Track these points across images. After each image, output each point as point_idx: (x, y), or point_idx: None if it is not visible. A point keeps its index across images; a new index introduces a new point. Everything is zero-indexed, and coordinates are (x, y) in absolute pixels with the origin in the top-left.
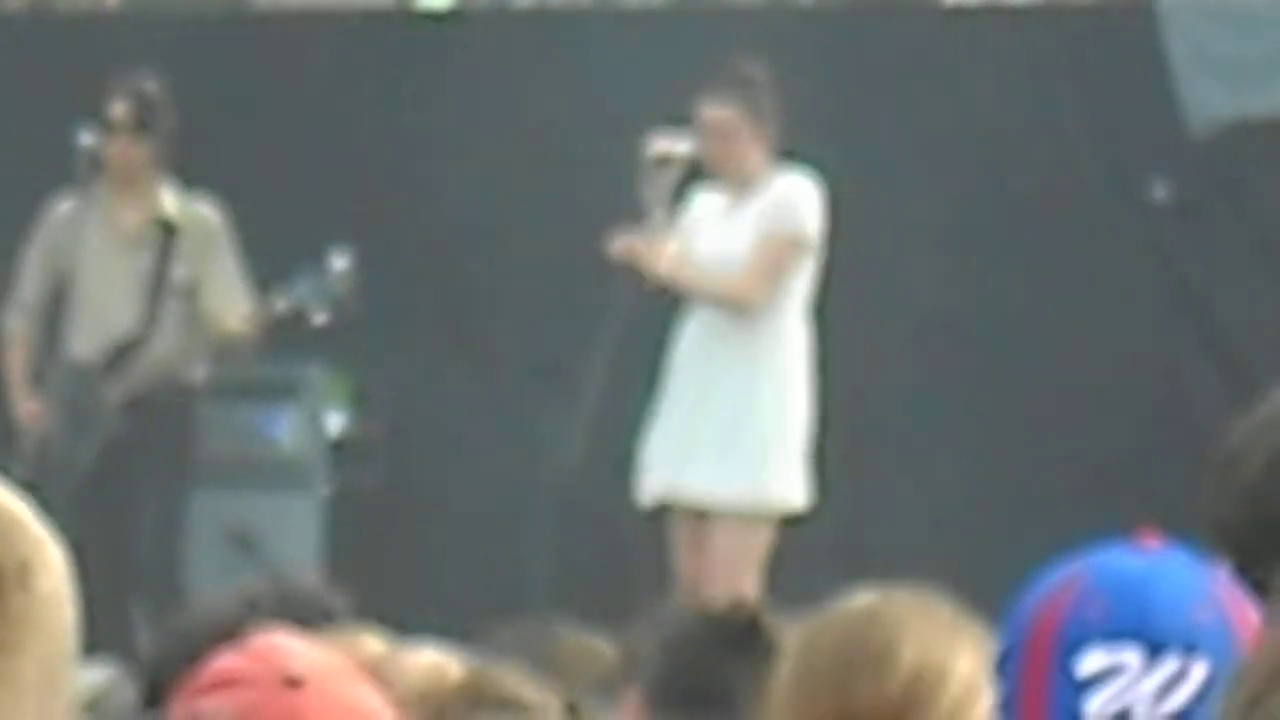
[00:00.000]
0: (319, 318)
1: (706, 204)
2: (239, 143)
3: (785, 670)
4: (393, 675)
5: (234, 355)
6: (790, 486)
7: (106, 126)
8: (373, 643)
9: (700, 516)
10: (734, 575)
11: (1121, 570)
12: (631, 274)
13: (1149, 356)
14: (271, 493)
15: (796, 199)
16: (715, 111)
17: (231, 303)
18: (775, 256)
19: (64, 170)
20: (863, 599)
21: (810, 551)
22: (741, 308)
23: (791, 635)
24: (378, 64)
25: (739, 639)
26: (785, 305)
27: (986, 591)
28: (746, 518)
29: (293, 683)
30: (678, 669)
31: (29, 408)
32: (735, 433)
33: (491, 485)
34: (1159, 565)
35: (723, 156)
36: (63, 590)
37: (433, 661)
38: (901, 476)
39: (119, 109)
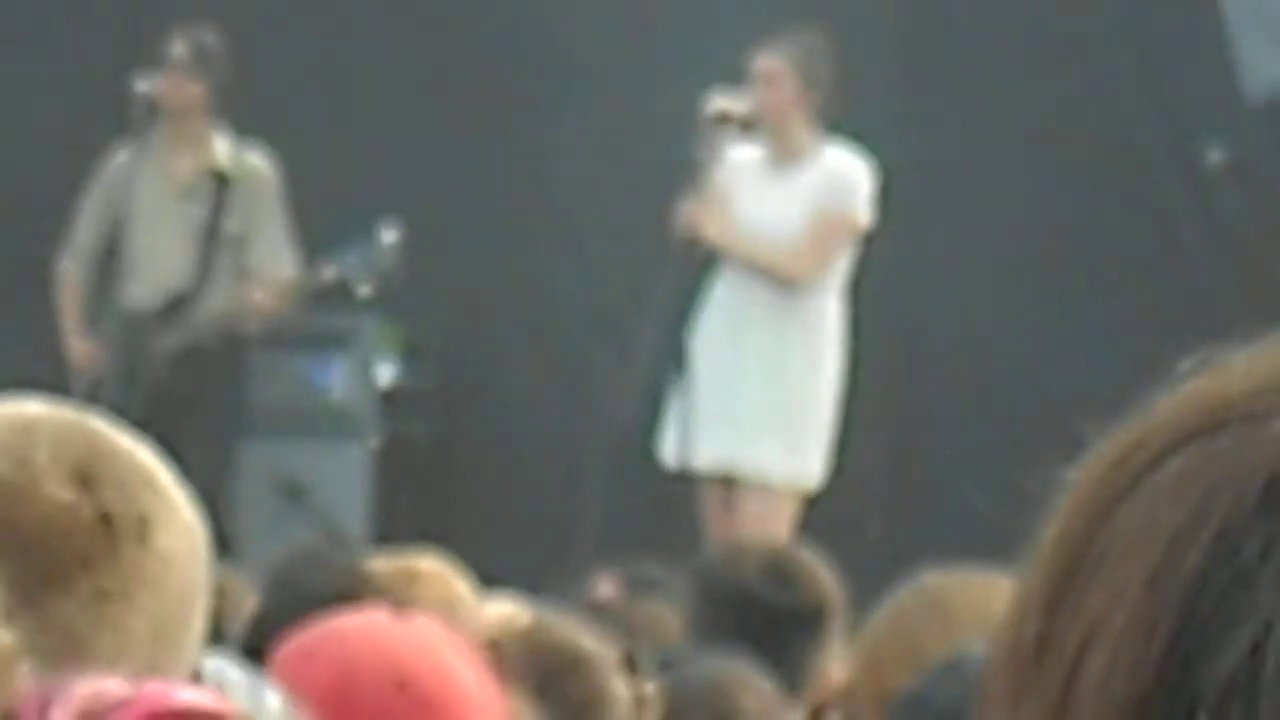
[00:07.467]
0: (363, 290)
1: (745, 161)
2: (294, 104)
3: None
4: (471, 620)
5: (276, 316)
6: (812, 463)
7: (163, 66)
8: (459, 585)
9: (728, 483)
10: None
11: None
12: (687, 233)
13: (1203, 319)
14: (321, 442)
15: (855, 180)
16: (765, 60)
17: (278, 261)
18: (831, 235)
19: (121, 120)
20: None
21: (856, 530)
22: (791, 282)
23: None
24: (433, 31)
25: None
26: (827, 283)
27: None
28: (776, 489)
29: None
30: (718, 600)
31: (82, 349)
32: (767, 406)
33: (542, 437)
34: None
35: (768, 107)
36: (187, 552)
37: (507, 611)
38: (944, 463)
39: (178, 47)
